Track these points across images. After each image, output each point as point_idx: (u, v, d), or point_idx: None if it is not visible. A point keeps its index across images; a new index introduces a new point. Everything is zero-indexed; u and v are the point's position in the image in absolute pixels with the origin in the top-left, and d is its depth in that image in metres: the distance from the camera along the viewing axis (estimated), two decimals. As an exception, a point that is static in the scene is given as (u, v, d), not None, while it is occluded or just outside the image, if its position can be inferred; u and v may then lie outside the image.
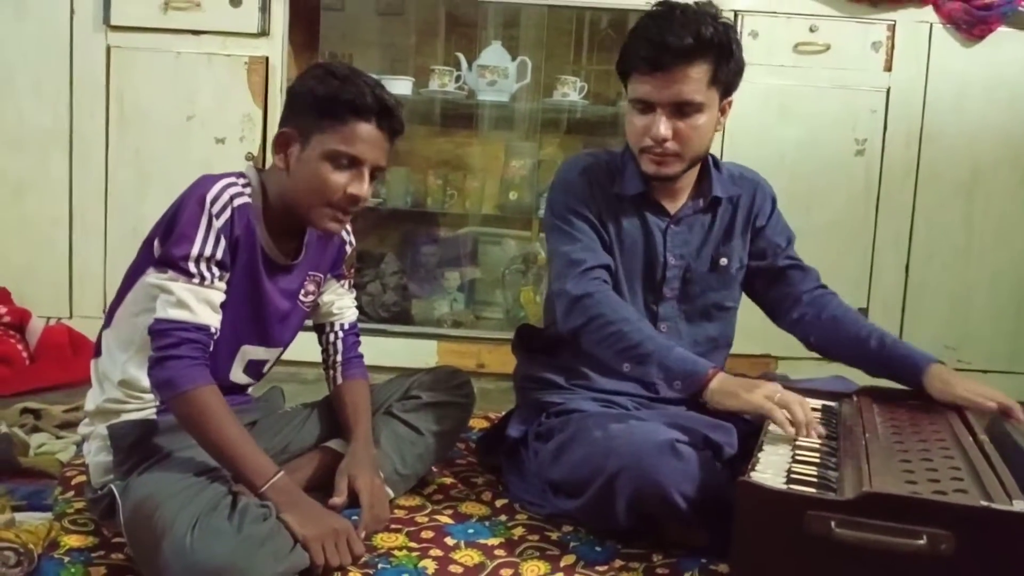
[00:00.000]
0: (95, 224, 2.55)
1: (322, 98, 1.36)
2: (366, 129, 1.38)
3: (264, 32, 2.49)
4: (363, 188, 1.39)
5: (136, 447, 1.36)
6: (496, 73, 2.71)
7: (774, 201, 1.71)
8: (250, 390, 1.60)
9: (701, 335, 1.69)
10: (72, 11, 2.50)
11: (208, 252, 1.33)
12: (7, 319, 2.43)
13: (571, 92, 2.74)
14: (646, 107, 1.51)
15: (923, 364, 1.53)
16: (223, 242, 1.34)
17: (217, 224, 1.34)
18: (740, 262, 1.69)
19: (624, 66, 1.55)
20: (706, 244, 1.66)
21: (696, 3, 1.53)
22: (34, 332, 2.46)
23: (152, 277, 1.34)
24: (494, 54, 2.75)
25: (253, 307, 1.45)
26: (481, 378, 2.50)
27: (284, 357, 1.65)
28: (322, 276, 1.57)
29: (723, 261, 1.67)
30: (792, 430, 1.36)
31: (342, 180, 1.38)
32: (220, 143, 2.51)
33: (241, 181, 1.40)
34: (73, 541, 1.37)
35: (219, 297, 1.35)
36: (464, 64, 2.73)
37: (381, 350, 2.39)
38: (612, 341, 1.49)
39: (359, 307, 1.71)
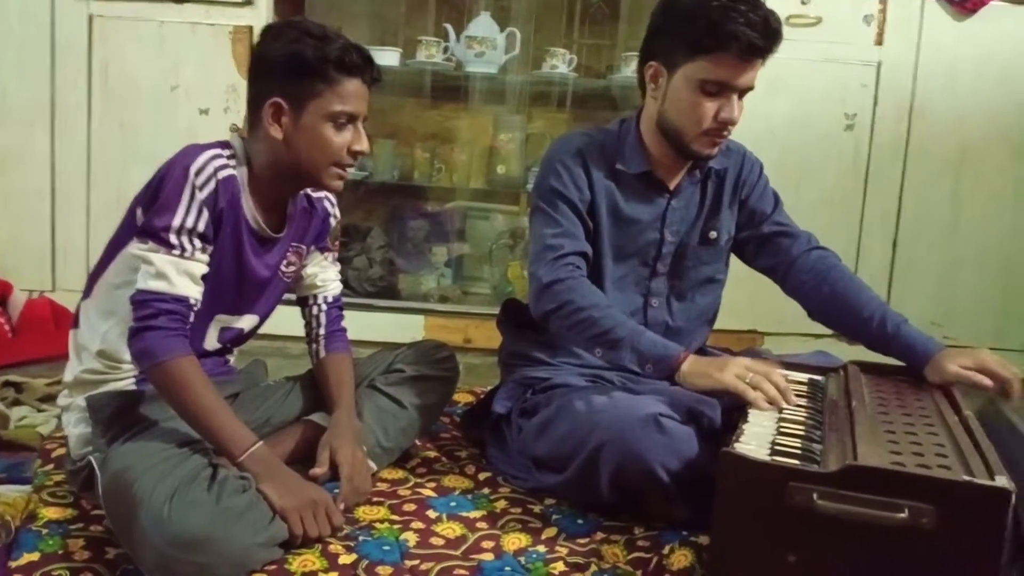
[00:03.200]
0: (78, 196, 2.53)
1: (310, 61, 1.33)
2: (355, 84, 1.37)
3: (248, 1, 2.45)
4: (364, 142, 1.40)
5: (115, 418, 1.35)
6: (484, 44, 2.68)
7: (761, 168, 1.70)
8: (232, 362, 1.59)
9: (692, 310, 1.69)
10: (53, -21, 2.46)
11: (190, 224, 1.31)
12: (-11, 292, 2.41)
13: (561, 65, 2.71)
14: (720, 90, 1.47)
15: (923, 358, 1.50)
16: (206, 214, 1.33)
17: (200, 196, 1.32)
18: (728, 234, 1.68)
19: (699, 46, 1.45)
20: (698, 218, 1.65)
21: None
22: (16, 305, 2.43)
23: (134, 248, 1.33)
24: (482, 25, 2.71)
25: (234, 278, 1.43)
26: (468, 353, 2.49)
27: (269, 331, 1.64)
28: (304, 248, 1.55)
29: (712, 234, 1.66)
30: (767, 406, 1.35)
31: (345, 139, 1.38)
32: (204, 114, 2.48)
33: (226, 152, 1.38)
34: (51, 513, 1.37)
35: (200, 269, 1.34)
36: (452, 35, 2.70)
37: (367, 325, 2.38)
38: (583, 327, 1.49)
39: (345, 281, 1.70)
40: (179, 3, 2.46)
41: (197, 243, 1.33)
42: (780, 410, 1.36)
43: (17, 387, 1.94)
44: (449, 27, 2.71)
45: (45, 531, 1.31)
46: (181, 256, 1.31)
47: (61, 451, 1.55)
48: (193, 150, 1.35)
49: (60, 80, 2.49)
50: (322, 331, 1.61)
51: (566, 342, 1.62)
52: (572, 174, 1.57)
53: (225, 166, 1.36)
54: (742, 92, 1.49)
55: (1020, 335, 2.61)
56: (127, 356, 1.35)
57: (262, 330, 1.59)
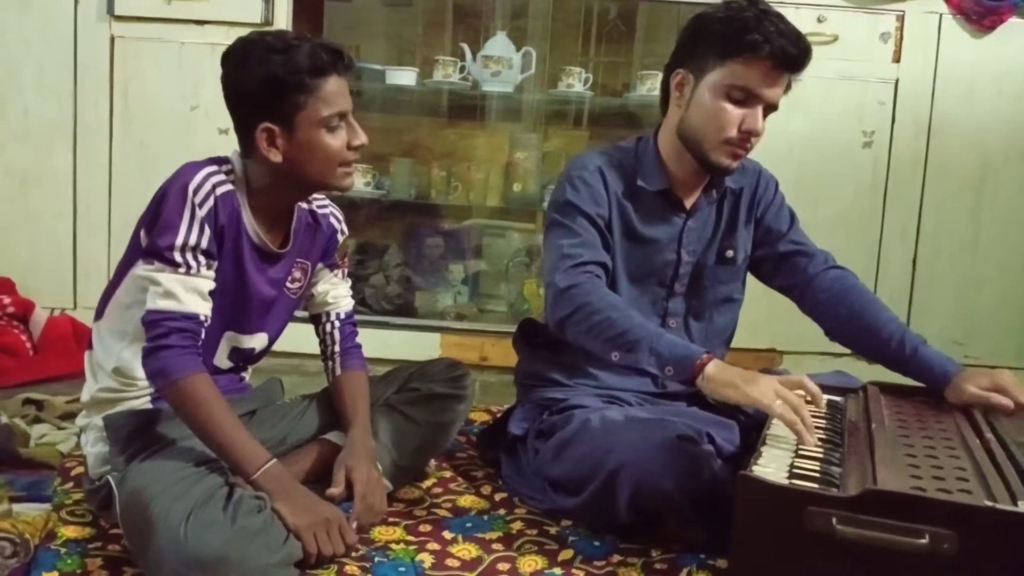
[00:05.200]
0: (99, 216, 2.56)
1: (284, 78, 1.33)
2: (335, 82, 1.37)
3: (267, 22, 2.48)
4: (361, 135, 1.41)
5: (132, 437, 1.35)
6: (500, 64, 2.69)
7: (777, 186, 1.70)
8: (247, 379, 1.60)
9: (710, 330, 1.68)
10: (76, 1, 2.50)
11: (193, 241, 1.32)
12: (11, 310, 2.43)
13: (576, 83, 2.72)
14: (746, 99, 1.47)
15: (943, 380, 1.49)
16: (208, 230, 1.33)
17: (200, 213, 1.33)
18: (745, 253, 1.68)
19: (730, 49, 1.45)
20: (715, 237, 1.65)
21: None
22: (38, 323, 2.46)
23: (140, 269, 1.34)
24: (499, 44, 2.73)
25: (237, 294, 1.44)
26: (484, 371, 2.49)
27: (286, 348, 1.64)
28: (310, 264, 1.55)
29: (729, 253, 1.65)
30: (793, 418, 1.29)
31: (342, 139, 1.39)
32: (224, 134, 2.50)
33: (224, 168, 1.39)
34: (70, 532, 1.37)
35: (207, 285, 1.35)
36: (468, 55, 2.71)
37: (384, 342, 2.39)
38: (600, 330, 1.44)
39: (362, 299, 1.70)
40: (200, 24, 2.49)
41: (202, 259, 1.33)
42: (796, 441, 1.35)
43: (38, 405, 1.96)
44: (465, 47, 2.72)
45: (63, 550, 1.32)
46: (187, 274, 1.32)
47: (80, 469, 1.56)
48: (189, 168, 1.36)
49: (82, 100, 2.53)
50: (337, 348, 1.61)
51: (582, 356, 1.58)
52: (591, 189, 1.57)
53: (223, 182, 1.37)
54: (767, 108, 1.49)
55: (1042, 354, 2.59)
56: (141, 373, 1.36)
57: (279, 347, 1.60)
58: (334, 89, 1.37)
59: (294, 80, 1.33)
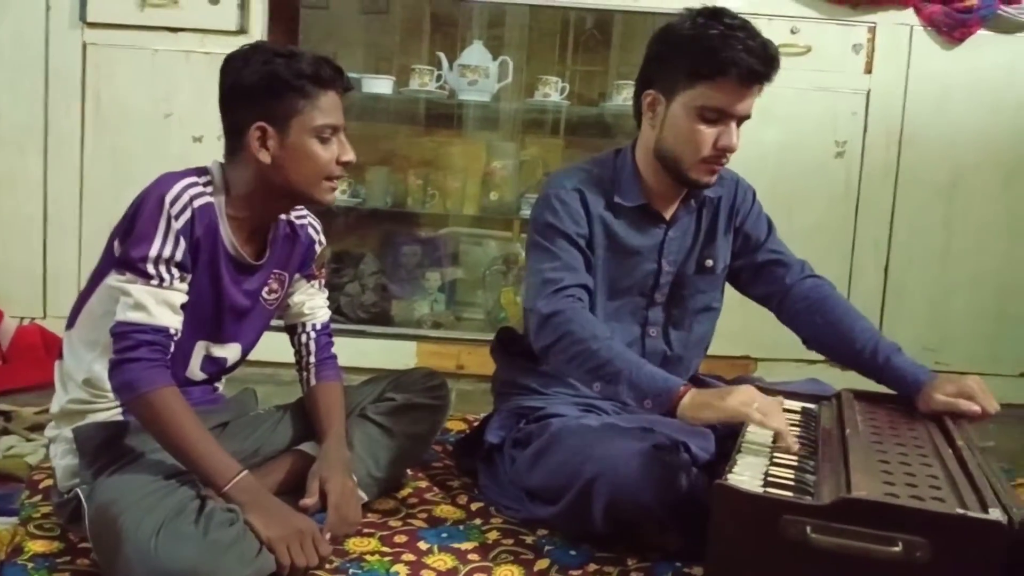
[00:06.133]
0: (70, 223, 2.52)
1: (287, 79, 1.34)
2: (332, 96, 1.39)
3: (243, 30, 2.46)
4: (350, 152, 1.41)
5: (102, 449, 1.34)
6: (477, 73, 2.70)
7: (754, 196, 1.71)
8: (221, 390, 1.58)
9: (690, 338, 1.68)
10: (48, 7, 2.46)
11: (167, 254, 1.31)
12: (-21, 319, 2.40)
13: (553, 92, 2.73)
14: (719, 117, 1.47)
15: (914, 388, 1.49)
16: (183, 243, 1.32)
17: (176, 225, 1.32)
18: (724, 262, 1.69)
19: (698, 73, 1.45)
20: (694, 247, 1.65)
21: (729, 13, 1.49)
22: (6, 332, 2.43)
23: (112, 279, 1.33)
24: (475, 54, 2.73)
25: (212, 305, 1.42)
26: (460, 379, 2.48)
27: (261, 358, 1.63)
28: (287, 275, 1.54)
29: (708, 262, 1.66)
30: (776, 423, 1.31)
31: (332, 152, 1.39)
32: (197, 142, 2.48)
33: (203, 179, 1.38)
34: (38, 547, 1.35)
35: (179, 298, 1.34)
36: (445, 64, 2.72)
37: (360, 351, 2.38)
38: (582, 359, 1.44)
39: (337, 308, 1.69)
40: (173, 32, 2.47)
41: (175, 272, 1.32)
42: (775, 440, 1.36)
43: (6, 416, 1.93)
44: (442, 56, 2.72)
45: (31, 565, 1.30)
46: (159, 286, 1.31)
47: (49, 482, 1.53)
48: (168, 179, 1.35)
49: (53, 106, 2.49)
50: (312, 359, 1.60)
51: (567, 377, 1.59)
52: (569, 209, 1.56)
53: (201, 194, 1.36)
54: (740, 120, 1.49)
55: (1014, 360, 2.61)
56: (112, 384, 1.34)
57: (253, 357, 1.58)
58: (331, 103, 1.38)
59: (296, 83, 1.34)
